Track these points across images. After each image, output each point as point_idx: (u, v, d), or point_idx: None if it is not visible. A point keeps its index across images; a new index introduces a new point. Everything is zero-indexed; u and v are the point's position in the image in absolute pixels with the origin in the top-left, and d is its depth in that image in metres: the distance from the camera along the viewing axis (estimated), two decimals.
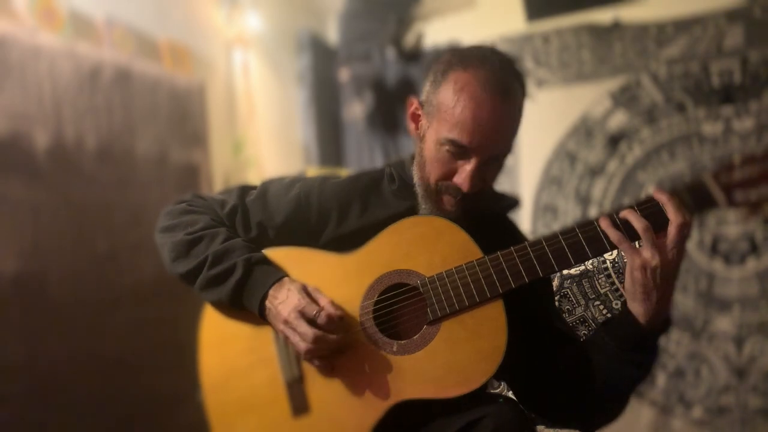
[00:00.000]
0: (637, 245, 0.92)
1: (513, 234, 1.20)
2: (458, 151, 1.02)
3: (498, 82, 1.01)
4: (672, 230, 0.89)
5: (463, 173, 1.02)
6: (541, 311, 1.13)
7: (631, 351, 0.96)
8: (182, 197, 1.23)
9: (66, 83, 2.06)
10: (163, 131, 2.43)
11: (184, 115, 2.54)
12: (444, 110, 1.02)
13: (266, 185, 1.19)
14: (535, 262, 0.97)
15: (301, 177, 1.20)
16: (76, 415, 1.98)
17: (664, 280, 0.90)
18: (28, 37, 1.94)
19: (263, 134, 3.16)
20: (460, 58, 1.05)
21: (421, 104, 1.10)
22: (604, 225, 0.93)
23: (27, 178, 1.91)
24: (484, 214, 1.11)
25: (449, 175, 1.04)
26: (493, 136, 1.01)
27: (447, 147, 1.02)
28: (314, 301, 1.03)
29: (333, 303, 1.03)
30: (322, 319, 0.99)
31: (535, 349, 1.07)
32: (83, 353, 2.02)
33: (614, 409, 1.03)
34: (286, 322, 1.01)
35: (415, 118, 1.12)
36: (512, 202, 1.20)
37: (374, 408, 1.00)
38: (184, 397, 2.29)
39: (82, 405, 2.00)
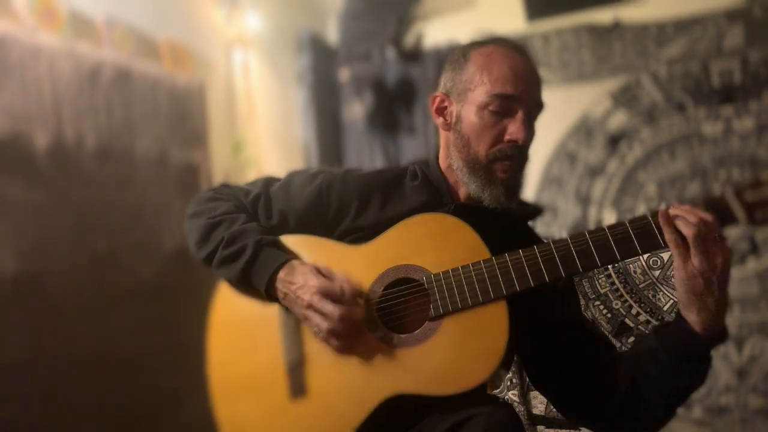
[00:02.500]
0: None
1: (533, 241, 1.20)
2: (504, 107, 1.06)
3: (517, 46, 1.10)
4: (704, 230, 0.87)
5: (514, 126, 1.06)
6: (570, 316, 1.12)
7: (686, 361, 0.93)
8: (210, 187, 1.29)
9: (66, 83, 2.06)
10: (163, 131, 2.43)
11: (184, 115, 2.54)
12: (478, 78, 1.08)
13: (291, 176, 1.22)
14: (542, 266, 0.96)
15: (325, 169, 1.22)
16: (77, 414, 1.98)
17: (717, 286, 0.88)
18: (28, 37, 1.94)
19: (263, 134, 3.16)
20: (473, 43, 1.14)
21: (446, 95, 1.14)
22: (662, 221, 0.90)
23: (27, 178, 1.91)
24: (504, 218, 1.11)
25: (499, 137, 1.07)
26: (533, 85, 1.08)
27: (492, 106, 1.06)
28: (328, 278, 1.04)
29: (348, 278, 1.04)
30: (348, 296, 1.01)
31: (569, 354, 1.07)
32: (83, 353, 2.02)
33: (663, 418, 1.01)
34: (310, 306, 1.02)
35: (441, 110, 1.15)
36: (535, 210, 1.21)
37: (369, 398, 1.01)
38: (184, 396, 2.29)
39: (82, 404, 2.00)
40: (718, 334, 0.92)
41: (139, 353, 2.20)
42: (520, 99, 1.06)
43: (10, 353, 1.82)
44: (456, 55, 1.14)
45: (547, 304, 1.05)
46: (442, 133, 1.17)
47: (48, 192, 1.97)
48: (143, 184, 2.32)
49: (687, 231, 0.88)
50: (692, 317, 0.91)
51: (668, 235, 0.90)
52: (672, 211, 0.91)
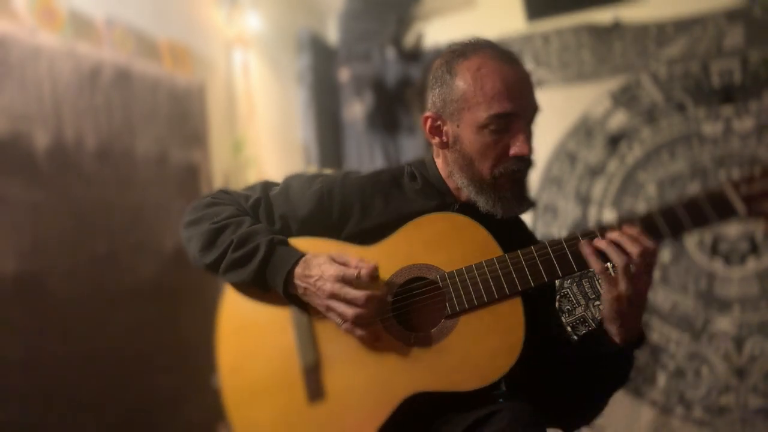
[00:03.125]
0: (611, 272, 0.96)
1: (526, 233, 1.22)
2: (503, 125, 1.04)
3: (503, 53, 1.07)
4: (637, 262, 0.92)
5: (517, 141, 1.05)
6: (542, 314, 1.14)
7: (608, 366, 1.01)
8: (207, 193, 1.27)
9: (66, 83, 2.06)
10: (163, 131, 2.43)
11: (184, 115, 2.54)
12: (471, 97, 1.05)
13: (289, 180, 1.21)
14: (554, 261, 0.98)
15: (322, 173, 1.22)
16: (77, 414, 1.98)
17: (637, 305, 0.95)
18: (28, 37, 1.94)
19: (263, 134, 3.16)
20: (455, 53, 1.10)
21: (438, 114, 1.11)
22: (586, 252, 0.96)
23: (27, 178, 1.92)
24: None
25: (503, 154, 1.06)
26: (528, 94, 1.07)
27: (491, 126, 1.04)
28: (344, 263, 1.04)
29: (363, 259, 1.04)
30: (365, 276, 1.01)
31: (534, 350, 1.08)
32: (83, 353, 2.02)
33: (591, 413, 1.09)
34: (332, 295, 1.01)
35: (435, 130, 1.13)
36: (529, 203, 1.21)
37: (389, 398, 1.01)
38: (184, 395, 2.29)
39: (82, 404, 2.00)
40: (635, 340, 1.00)
41: (139, 353, 2.20)
42: (519, 113, 1.04)
43: (10, 353, 1.82)
44: (440, 71, 1.10)
45: (536, 301, 1.06)
46: (438, 149, 1.16)
47: (48, 192, 1.97)
48: (143, 184, 2.32)
49: (619, 261, 0.93)
50: (613, 330, 0.98)
51: (595, 266, 0.95)
52: (612, 236, 0.95)
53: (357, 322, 1.01)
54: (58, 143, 2.01)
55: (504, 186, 1.08)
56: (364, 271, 1.01)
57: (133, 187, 2.28)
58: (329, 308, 1.03)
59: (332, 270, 1.02)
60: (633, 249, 0.92)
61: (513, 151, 1.05)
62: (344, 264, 1.04)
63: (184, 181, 2.50)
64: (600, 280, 0.97)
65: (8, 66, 1.88)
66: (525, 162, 1.07)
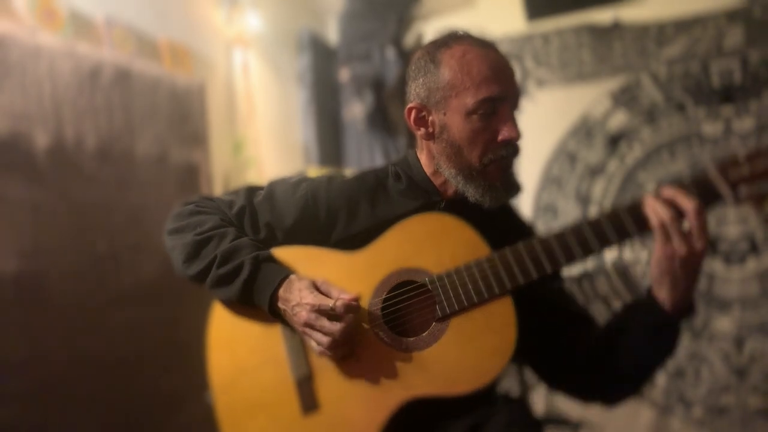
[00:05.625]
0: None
1: (516, 218, 1.22)
2: (490, 110, 1.04)
3: (483, 41, 1.08)
4: (692, 218, 0.89)
5: (505, 125, 1.04)
6: (554, 295, 1.14)
7: (655, 336, 0.97)
8: (190, 199, 1.22)
9: (66, 83, 2.05)
10: (163, 131, 2.43)
11: (184, 115, 2.54)
12: (458, 84, 1.05)
13: (273, 186, 1.19)
14: (542, 258, 0.97)
15: (306, 177, 1.19)
16: (77, 414, 1.98)
17: (692, 269, 0.91)
18: (28, 37, 1.94)
19: (263, 134, 3.16)
20: (436, 44, 1.10)
21: (422, 105, 1.10)
22: (648, 208, 0.92)
23: (27, 178, 1.91)
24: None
25: (492, 140, 1.05)
26: (512, 78, 1.07)
27: (480, 111, 1.04)
28: (326, 294, 1.03)
29: (344, 291, 1.03)
30: (340, 309, 0.99)
31: (554, 333, 1.09)
32: (83, 353, 2.02)
33: (637, 386, 1.05)
34: (306, 324, 1.01)
35: (420, 121, 1.12)
36: (517, 188, 1.21)
37: (385, 405, 1.00)
38: (184, 396, 2.29)
39: (82, 405, 2.00)
40: (685, 310, 0.96)
41: (139, 353, 2.20)
42: (506, 97, 1.05)
43: (10, 353, 1.82)
44: (422, 61, 1.10)
45: (536, 287, 1.06)
46: (423, 141, 1.15)
47: (48, 192, 1.97)
48: (143, 184, 2.32)
49: (668, 215, 0.89)
50: (662, 295, 0.94)
51: (653, 219, 0.91)
52: (665, 192, 0.92)
53: (333, 346, 1.01)
54: (58, 143, 2.01)
55: (494, 175, 1.07)
56: (339, 304, 0.99)
57: (133, 187, 2.28)
58: (305, 334, 1.03)
59: (310, 298, 1.01)
60: (687, 205, 0.89)
61: (502, 135, 1.04)
62: (326, 293, 1.03)
63: (184, 181, 2.50)
64: (657, 236, 0.92)
65: (8, 66, 1.87)
66: (513, 148, 1.07)
